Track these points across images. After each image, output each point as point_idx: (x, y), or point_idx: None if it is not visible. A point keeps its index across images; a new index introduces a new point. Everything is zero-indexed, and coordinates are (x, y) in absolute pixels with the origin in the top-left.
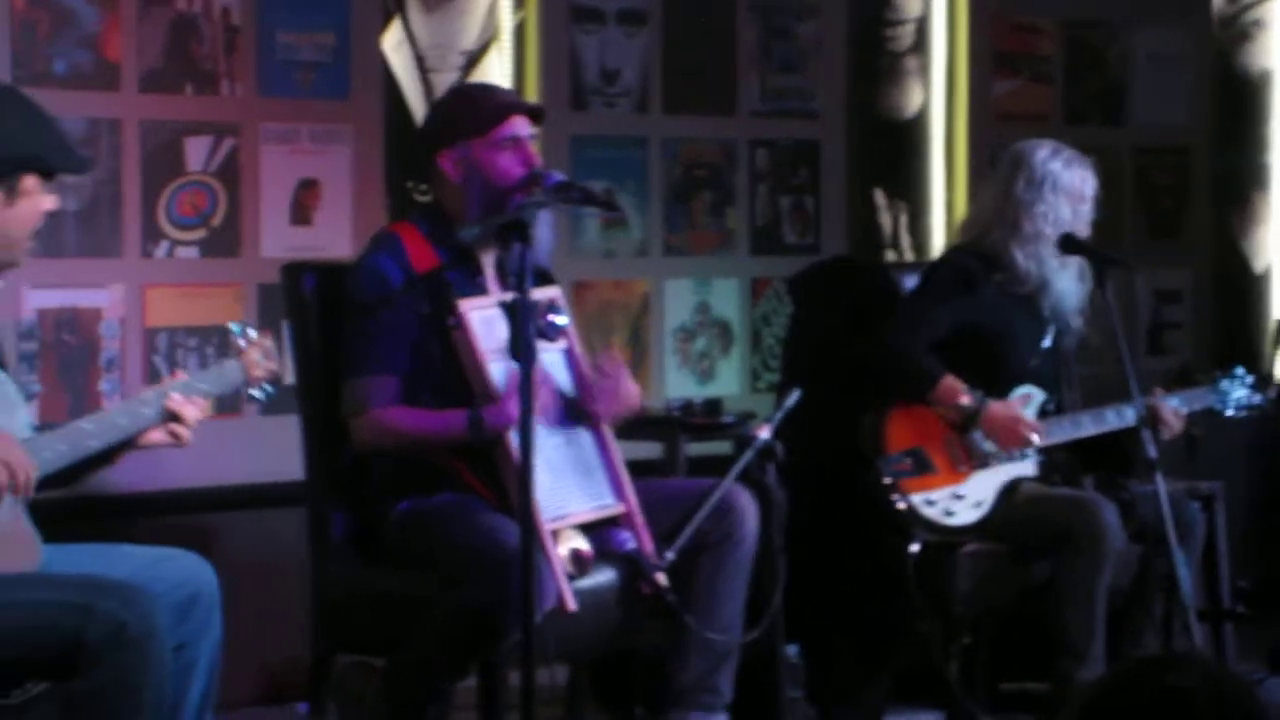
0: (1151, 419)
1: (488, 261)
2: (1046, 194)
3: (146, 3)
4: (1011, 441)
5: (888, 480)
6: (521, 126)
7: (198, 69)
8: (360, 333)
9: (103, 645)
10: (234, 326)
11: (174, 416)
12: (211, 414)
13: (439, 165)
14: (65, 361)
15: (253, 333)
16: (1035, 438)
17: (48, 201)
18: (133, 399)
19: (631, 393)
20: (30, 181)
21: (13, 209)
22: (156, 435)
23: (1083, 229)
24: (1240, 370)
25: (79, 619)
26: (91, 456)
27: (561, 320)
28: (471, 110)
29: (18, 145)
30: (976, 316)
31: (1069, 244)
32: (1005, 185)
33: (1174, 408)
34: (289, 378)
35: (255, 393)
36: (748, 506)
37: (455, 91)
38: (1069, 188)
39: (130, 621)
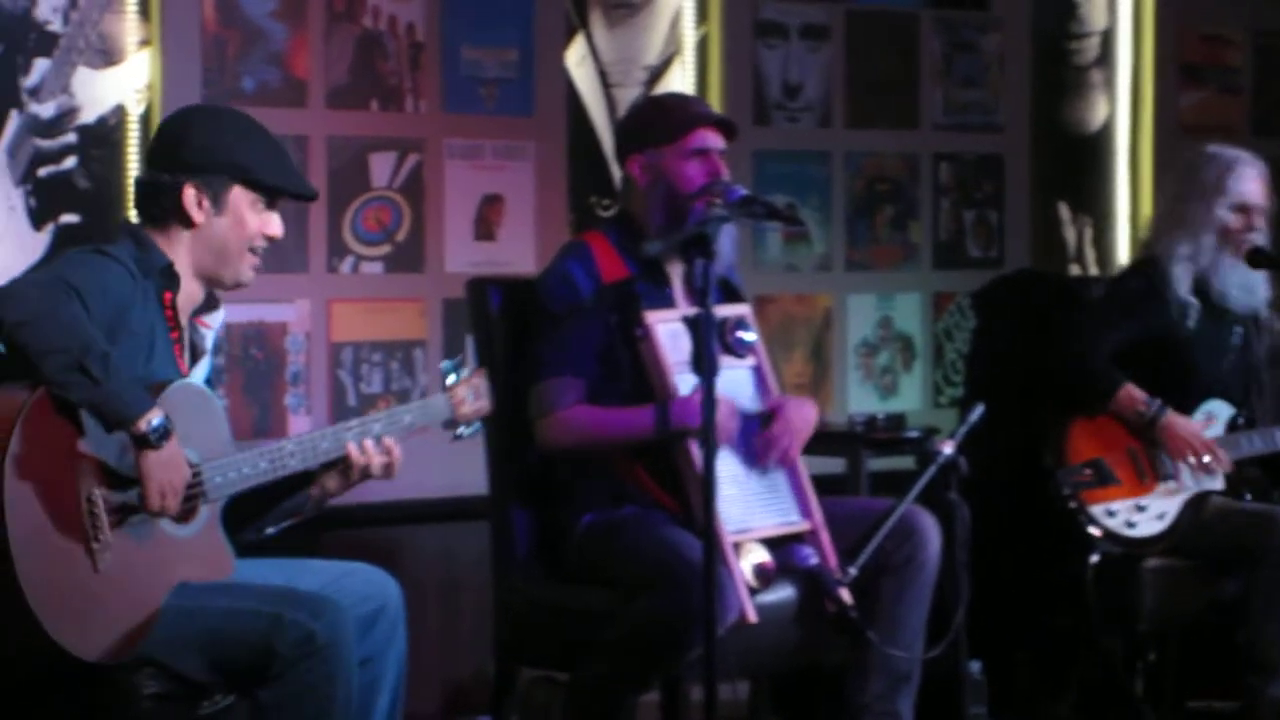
0: None
1: (675, 274)
2: (1211, 197)
3: (333, 20)
4: (1183, 454)
5: (1068, 491)
6: (712, 139)
7: (383, 85)
8: (549, 338)
9: (292, 655)
10: (445, 364)
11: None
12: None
13: (628, 169)
14: (251, 376)
15: (465, 371)
16: (1206, 458)
17: (270, 224)
18: (339, 425)
19: (808, 419)
20: (239, 195)
21: (221, 220)
22: (333, 480)
23: (1256, 235)
24: None
25: (269, 628)
26: (292, 477)
27: (750, 337)
28: (664, 118)
29: (226, 155)
30: (1163, 326)
31: (1256, 258)
32: (1175, 188)
33: None
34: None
35: (461, 430)
36: (931, 528)
37: (651, 99)
38: (1234, 191)
39: (319, 631)
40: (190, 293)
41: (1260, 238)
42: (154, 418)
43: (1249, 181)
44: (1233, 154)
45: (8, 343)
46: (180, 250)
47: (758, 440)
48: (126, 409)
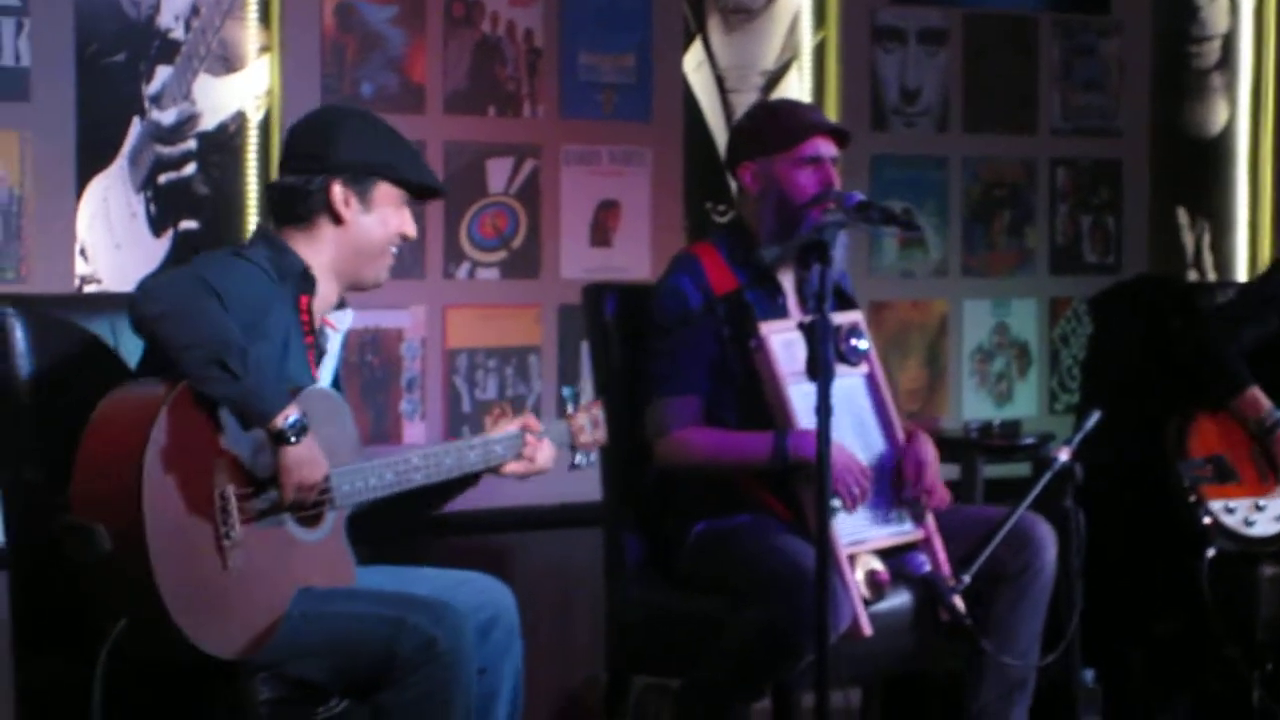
0: None
1: (787, 282)
2: None
3: (452, 26)
4: None
5: (1187, 483)
6: (825, 147)
7: (501, 91)
8: (661, 354)
9: (414, 658)
10: (565, 391)
11: (499, 465)
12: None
13: (739, 177)
14: (368, 382)
15: (584, 399)
16: None
17: (407, 224)
18: (462, 443)
19: (933, 456)
20: (385, 192)
21: (368, 217)
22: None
23: None
24: None
25: (391, 633)
26: (414, 490)
27: (863, 345)
28: (776, 126)
29: (374, 153)
30: None
31: None
32: None
33: None
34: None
35: (578, 459)
36: (1046, 537)
37: (764, 105)
38: None
39: (440, 637)
40: (325, 296)
41: None
42: (291, 414)
43: None
44: None
45: (149, 337)
46: (323, 251)
47: (915, 493)
48: (265, 405)
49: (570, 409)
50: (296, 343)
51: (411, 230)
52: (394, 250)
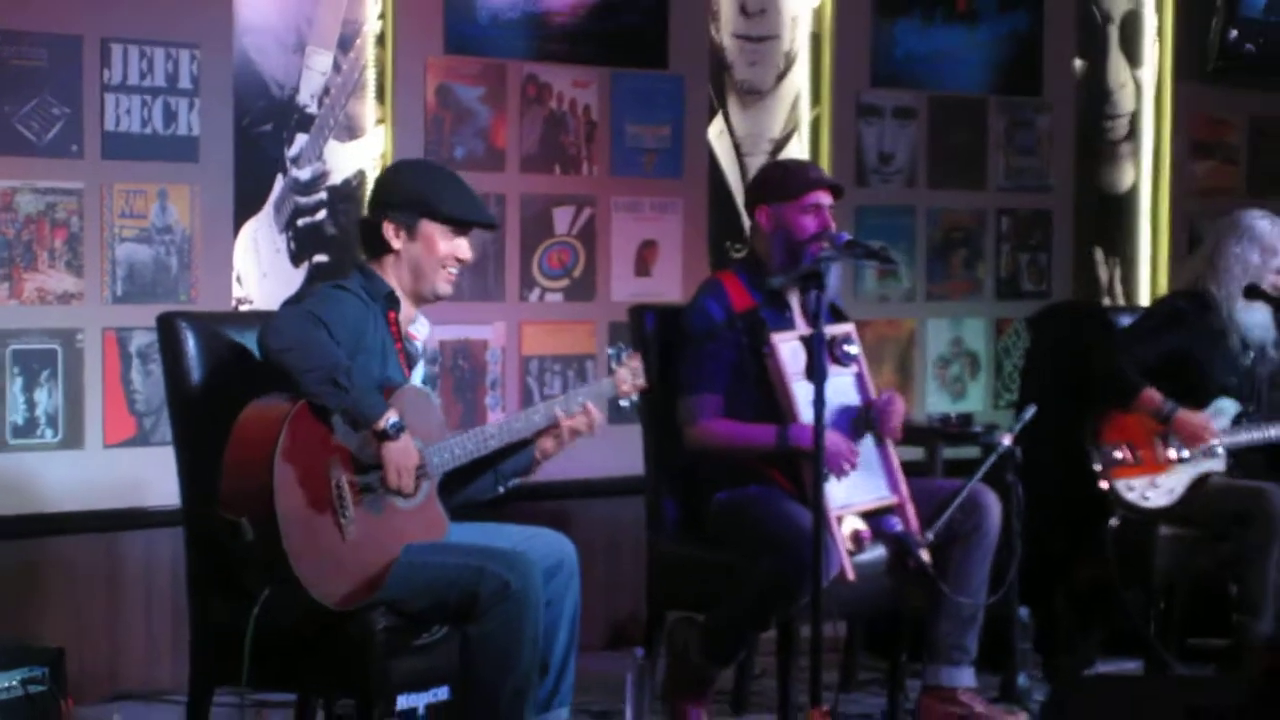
0: None
1: (794, 302)
2: (1246, 247)
3: (526, 103)
4: (1193, 441)
5: (1099, 467)
6: (824, 198)
7: (564, 154)
8: (691, 359)
9: (492, 598)
10: (611, 350)
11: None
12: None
13: (756, 218)
14: (459, 382)
15: (625, 355)
16: (1214, 440)
17: (460, 249)
18: (528, 409)
19: (900, 409)
20: (429, 227)
21: (415, 244)
22: (549, 442)
23: (1271, 277)
24: None
25: (475, 577)
26: (495, 452)
27: (853, 350)
28: (787, 179)
29: (415, 194)
30: (1183, 346)
31: (1251, 292)
32: (1216, 241)
33: None
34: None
35: (624, 402)
36: (992, 504)
37: (778, 163)
38: (1263, 242)
39: (513, 580)
40: (406, 310)
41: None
42: (391, 417)
43: (1270, 234)
44: (1254, 217)
45: (277, 366)
46: (389, 274)
47: (878, 418)
48: (370, 411)
49: (614, 365)
50: (391, 349)
51: (465, 255)
52: (451, 270)
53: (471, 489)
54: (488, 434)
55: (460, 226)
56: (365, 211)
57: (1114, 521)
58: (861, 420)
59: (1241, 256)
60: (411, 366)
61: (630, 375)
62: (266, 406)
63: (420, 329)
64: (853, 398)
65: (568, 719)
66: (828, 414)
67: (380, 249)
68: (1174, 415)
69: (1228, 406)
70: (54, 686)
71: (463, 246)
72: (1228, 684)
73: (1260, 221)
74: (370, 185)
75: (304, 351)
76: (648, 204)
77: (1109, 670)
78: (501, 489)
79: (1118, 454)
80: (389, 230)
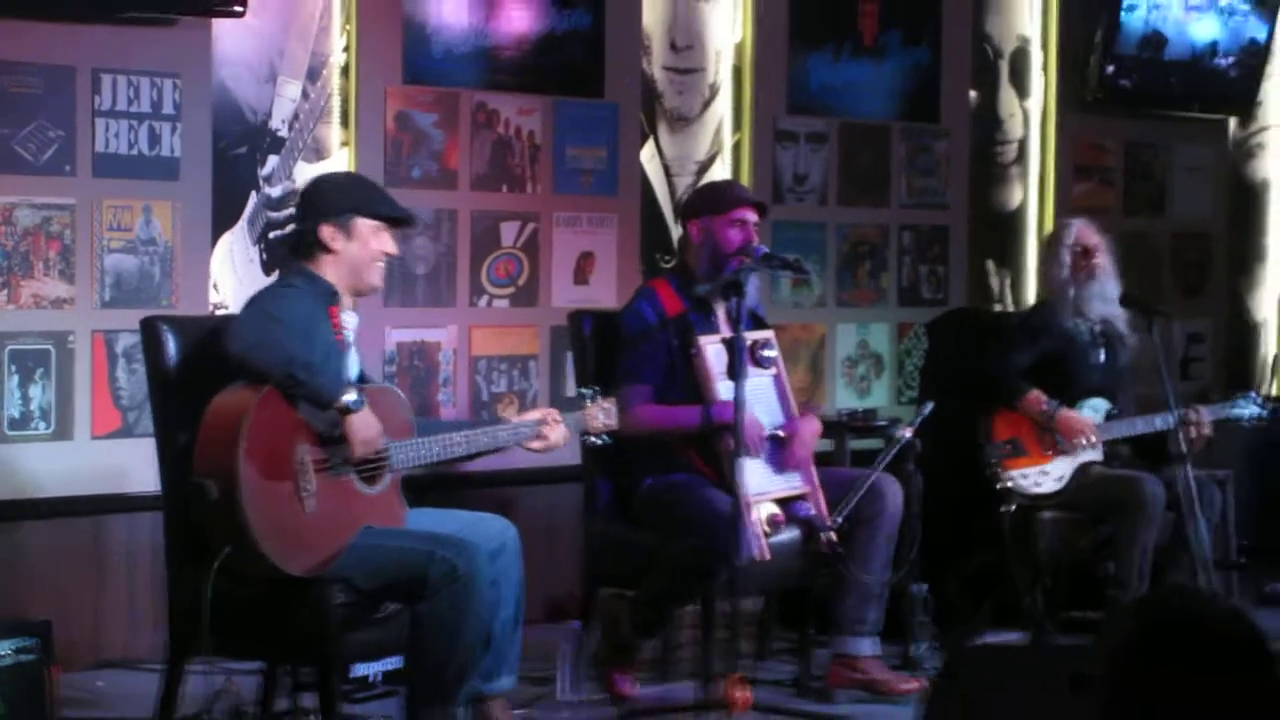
0: (1186, 425)
1: (719, 308)
2: (1060, 250)
3: (477, 128)
4: (1074, 437)
5: (992, 460)
6: (750, 215)
7: (511, 174)
8: (626, 356)
9: (440, 580)
10: (585, 390)
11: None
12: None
13: (687, 229)
14: (415, 380)
15: (598, 397)
16: (1091, 438)
17: (386, 243)
18: (496, 425)
19: (816, 433)
20: (362, 224)
21: (351, 243)
22: (535, 444)
23: (1089, 275)
24: (1252, 393)
25: (425, 560)
26: (456, 457)
27: (771, 354)
28: (717, 196)
29: (346, 197)
30: (1050, 351)
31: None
32: (1049, 251)
33: (1205, 418)
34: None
35: (594, 440)
36: (894, 491)
37: (710, 182)
38: (1070, 241)
39: (460, 565)
40: (345, 304)
41: (1104, 266)
42: (350, 394)
43: (1075, 230)
44: (1065, 220)
45: (239, 367)
46: (328, 274)
47: (785, 457)
48: (331, 393)
49: (587, 403)
50: (334, 343)
51: (391, 248)
52: (380, 264)
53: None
54: (453, 442)
55: (389, 222)
56: (297, 223)
57: (1009, 508)
58: (779, 417)
59: (1054, 256)
60: (345, 357)
61: (601, 414)
62: (242, 386)
63: (350, 320)
64: (772, 396)
65: (512, 686)
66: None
67: (316, 252)
68: (1057, 415)
69: (1099, 404)
70: (43, 655)
71: (389, 241)
72: None
73: (1070, 223)
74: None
75: (263, 349)
76: (586, 219)
77: (997, 640)
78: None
79: (1008, 447)
80: (327, 233)
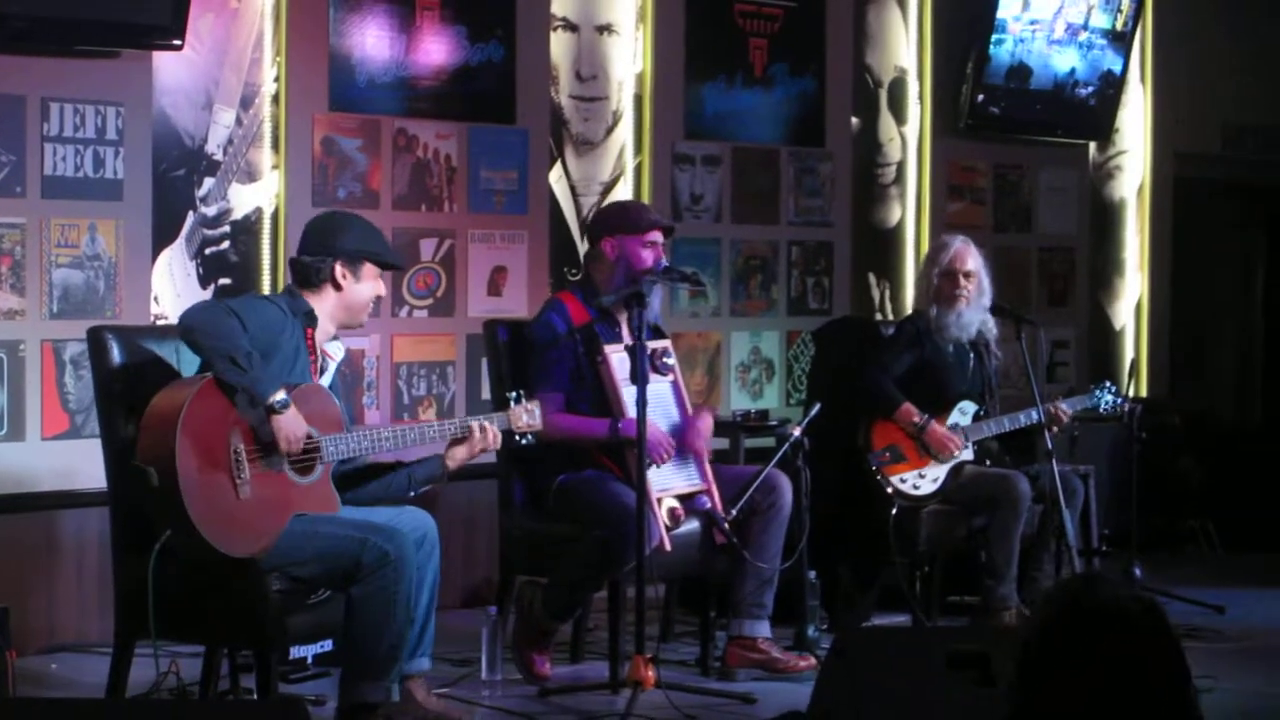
0: (1049, 422)
1: (622, 319)
2: (932, 276)
3: (397, 152)
4: (942, 450)
5: (874, 466)
6: (658, 236)
7: (429, 194)
8: (538, 364)
9: (372, 565)
10: (511, 394)
11: (456, 442)
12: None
13: (600, 247)
14: (343, 384)
15: (524, 400)
16: (957, 451)
17: (380, 287)
18: (425, 424)
19: (709, 426)
20: (369, 269)
21: (358, 284)
22: (461, 450)
23: (951, 303)
24: (1108, 383)
25: (358, 548)
26: (384, 450)
27: (670, 361)
28: (631, 217)
29: (363, 243)
30: (923, 357)
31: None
32: (924, 267)
33: (1066, 409)
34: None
35: (519, 439)
36: (785, 484)
37: (622, 202)
38: (943, 264)
39: (391, 551)
40: (325, 330)
41: (969, 294)
42: (280, 394)
43: (950, 253)
44: (946, 239)
45: (189, 343)
46: (325, 304)
47: (683, 446)
48: (263, 388)
49: (513, 405)
50: (303, 358)
51: (383, 291)
52: (371, 305)
53: (382, 487)
54: (381, 435)
55: (391, 270)
56: (303, 250)
57: (894, 511)
58: (678, 430)
59: (926, 273)
60: (322, 374)
61: (525, 415)
62: (181, 381)
63: (335, 350)
64: (670, 400)
65: (429, 667)
66: (651, 413)
67: (319, 283)
68: (926, 428)
69: (968, 407)
70: (0, 640)
71: (382, 286)
72: (977, 633)
73: (948, 244)
74: (278, 226)
75: (210, 332)
76: (499, 236)
77: (883, 622)
78: (413, 493)
79: (888, 455)
80: (338, 271)
